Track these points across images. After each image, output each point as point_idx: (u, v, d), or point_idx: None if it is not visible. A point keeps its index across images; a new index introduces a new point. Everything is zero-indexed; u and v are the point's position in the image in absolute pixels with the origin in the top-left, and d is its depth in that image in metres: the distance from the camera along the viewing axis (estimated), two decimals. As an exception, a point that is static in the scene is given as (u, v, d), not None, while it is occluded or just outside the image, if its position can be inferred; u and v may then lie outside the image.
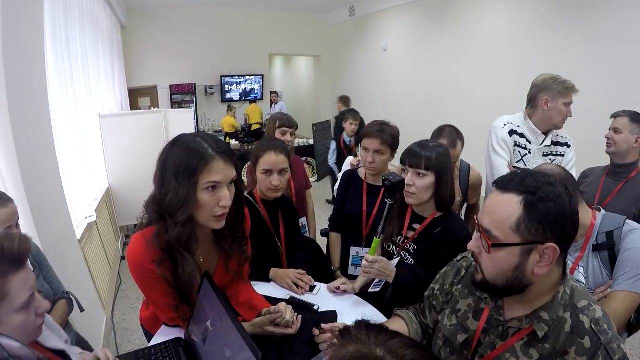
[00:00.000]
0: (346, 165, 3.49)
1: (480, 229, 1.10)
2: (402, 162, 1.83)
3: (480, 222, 1.10)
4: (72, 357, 1.22)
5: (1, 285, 0.98)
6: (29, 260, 1.73)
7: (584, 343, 1.02)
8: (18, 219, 1.72)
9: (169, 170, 1.29)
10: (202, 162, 1.26)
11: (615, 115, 2.44)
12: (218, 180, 1.29)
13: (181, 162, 1.27)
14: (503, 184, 1.07)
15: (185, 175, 1.26)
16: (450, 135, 2.54)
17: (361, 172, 2.45)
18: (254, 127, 9.61)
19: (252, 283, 1.83)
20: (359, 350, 0.61)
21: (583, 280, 1.64)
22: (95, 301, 3.21)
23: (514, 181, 1.05)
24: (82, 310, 2.00)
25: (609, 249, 1.60)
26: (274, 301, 1.72)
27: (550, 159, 2.50)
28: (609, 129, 2.45)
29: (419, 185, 1.76)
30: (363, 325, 0.68)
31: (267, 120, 3.80)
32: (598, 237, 1.62)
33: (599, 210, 1.68)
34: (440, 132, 2.60)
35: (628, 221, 1.63)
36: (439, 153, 1.78)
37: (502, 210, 1.04)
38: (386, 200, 1.81)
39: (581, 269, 1.65)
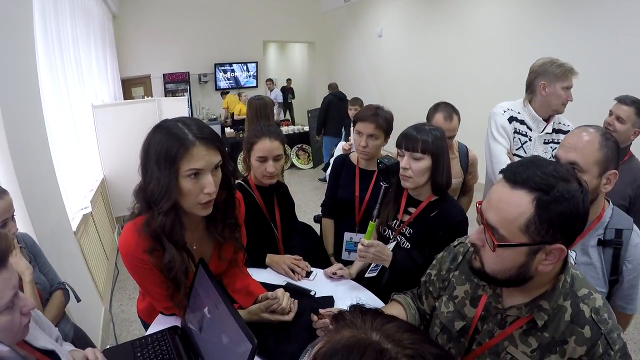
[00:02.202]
0: (338, 150, 3.47)
1: (484, 223, 1.04)
2: (398, 145, 1.80)
3: (485, 216, 1.03)
4: (61, 357, 1.20)
5: None
6: (25, 252, 1.73)
7: (584, 332, 1.00)
8: (14, 211, 1.70)
9: (150, 158, 1.25)
10: (181, 148, 1.22)
11: (621, 101, 2.36)
12: (199, 167, 1.25)
13: (161, 149, 1.23)
14: (513, 177, 0.98)
15: (165, 162, 1.22)
16: (445, 108, 2.51)
17: (353, 157, 2.43)
18: (242, 115, 9.52)
19: (249, 270, 1.82)
20: (354, 335, 0.59)
21: (572, 263, 1.56)
22: (92, 292, 3.21)
23: (525, 175, 0.96)
24: (78, 300, 1.99)
25: (615, 247, 1.54)
26: (270, 287, 1.71)
27: (551, 147, 2.45)
28: (611, 113, 2.39)
29: (415, 169, 1.74)
30: (358, 309, 0.66)
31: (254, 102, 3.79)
32: (607, 232, 1.55)
33: (608, 202, 1.61)
34: (435, 107, 2.56)
35: (637, 229, 1.57)
36: (435, 136, 1.75)
37: (511, 208, 0.97)
38: (381, 183, 1.80)
39: (573, 253, 1.60)
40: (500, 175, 1.04)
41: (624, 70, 4.52)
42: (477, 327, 1.20)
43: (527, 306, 1.08)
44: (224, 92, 10.64)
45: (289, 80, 12.38)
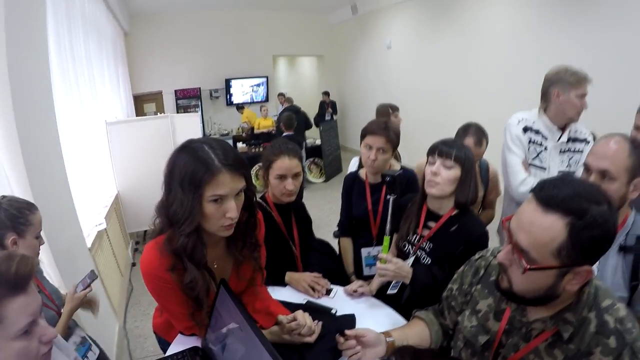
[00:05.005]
0: (352, 165, 3.45)
1: (513, 244, 1.03)
2: (431, 153, 1.80)
3: (515, 237, 1.03)
4: None
5: None
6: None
7: (610, 343, 1.00)
8: (41, 229, 1.70)
9: (175, 178, 1.26)
10: (207, 174, 1.22)
11: None
12: (223, 193, 1.26)
13: (187, 171, 1.23)
14: (546, 200, 0.98)
15: (190, 186, 1.23)
16: (476, 133, 2.58)
17: (362, 173, 2.44)
18: (262, 129, 9.48)
19: (268, 288, 1.81)
20: None
21: (595, 272, 1.53)
22: (107, 309, 3.20)
23: (558, 198, 0.96)
24: None
25: (636, 253, 1.53)
26: (290, 306, 1.69)
27: (568, 156, 2.43)
28: (637, 127, 2.34)
29: (444, 176, 1.73)
30: (410, 352, 0.61)
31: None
32: (628, 238, 1.55)
33: (632, 209, 1.61)
34: (466, 129, 2.61)
35: None
36: (467, 151, 1.78)
37: (543, 233, 0.96)
38: (388, 196, 1.81)
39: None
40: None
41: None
42: (501, 341, 1.19)
43: (552, 319, 1.08)
44: (240, 107, 10.64)
45: (326, 93, 10.98)
